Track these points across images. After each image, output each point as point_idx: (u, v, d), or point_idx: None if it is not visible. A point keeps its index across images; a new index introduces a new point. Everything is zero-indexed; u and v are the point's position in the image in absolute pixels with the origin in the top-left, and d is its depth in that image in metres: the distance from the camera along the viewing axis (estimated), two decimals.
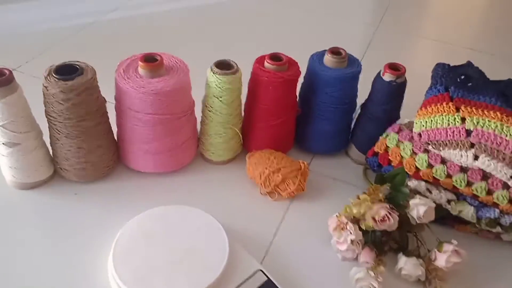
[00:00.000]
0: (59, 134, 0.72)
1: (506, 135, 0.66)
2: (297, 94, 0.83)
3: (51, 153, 0.78)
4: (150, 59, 0.72)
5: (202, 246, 0.65)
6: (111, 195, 0.78)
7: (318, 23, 1.47)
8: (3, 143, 0.70)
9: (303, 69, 0.81)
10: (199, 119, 0.83)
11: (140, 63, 0.71)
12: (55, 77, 0.67)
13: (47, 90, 0.68)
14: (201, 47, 1.24)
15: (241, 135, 0.83)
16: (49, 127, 0.74)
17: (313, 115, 0.84)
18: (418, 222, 0.66)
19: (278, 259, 0.70)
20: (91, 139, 0.73)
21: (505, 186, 0.67)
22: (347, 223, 0.66)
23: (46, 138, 0.76)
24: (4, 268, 0.65)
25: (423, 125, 0.72)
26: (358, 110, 0.87)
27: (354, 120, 0.88)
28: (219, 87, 0.74)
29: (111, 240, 0.64)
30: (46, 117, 0.72)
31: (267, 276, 0.63)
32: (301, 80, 0.83)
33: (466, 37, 1.49)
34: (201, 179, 0.83)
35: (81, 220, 0.73)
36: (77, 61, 0.71)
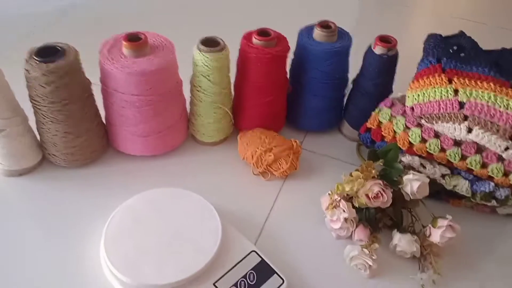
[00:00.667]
0: (44, 118, 0.70)
1: (500, 106, 0.65)
2: (288, 71, 0.82)
3: (38, 139, 0.76)
4: (134, 38, 0.70)
5: (195, 228, 0.64)
6: (101, 179, 0.77)
7: None
8: None
9: (292, 45, 0.79)
10: (188, 100, 0.81)
11: (123, 42, 0.69)
12: (36, 59, 0.65)
13: (29, 73, 0.66)
14: (187, 24, 1.21)
15: (231, 115, 0.82)
16: (34, 112, 0.72)
17: (304, 92, 0.82)
18: (412, 198, 0.66)
19: (272, 239, 0.69)
20: (77, 123, 0.72)
21: (500, 158, 0.66)
22: (339, 200, 0.65)
23: (33, 124, 0.74)
24: None
25: (416, 99, 0.71)
26: (350, 85, 0.85)
27: (347, 96, 0.86)
28: (206, 66, 0.72)
29: (102, 225, 0.64)
30: (31, 101, 0.70)
31: (261, 257, 0.62)
32: (291, 56, 0.81)
33: (459, 7, 1.46)
34: (193, 161, 0.81)
35: (71, 205, 0.72)
36: (59, 43, 0.68)
